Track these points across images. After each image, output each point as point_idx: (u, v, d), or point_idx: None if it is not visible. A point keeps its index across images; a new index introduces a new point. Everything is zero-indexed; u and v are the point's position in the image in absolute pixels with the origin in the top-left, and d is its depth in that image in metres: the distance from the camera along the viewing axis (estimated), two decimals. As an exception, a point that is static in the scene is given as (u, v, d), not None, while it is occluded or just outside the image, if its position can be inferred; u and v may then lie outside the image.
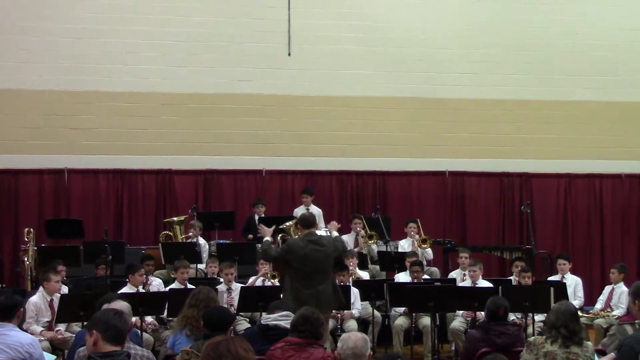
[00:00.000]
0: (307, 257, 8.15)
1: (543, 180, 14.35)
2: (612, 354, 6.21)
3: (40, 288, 8.99)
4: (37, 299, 8.82)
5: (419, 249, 11.79)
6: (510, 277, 10.81)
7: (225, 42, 13.76)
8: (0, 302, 6.01)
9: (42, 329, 8.64)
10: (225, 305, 9.20)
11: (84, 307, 7.97)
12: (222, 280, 9.97)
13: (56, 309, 8.60)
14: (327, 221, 12.36)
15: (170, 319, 8.97)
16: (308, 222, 8.47)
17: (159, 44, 13.59)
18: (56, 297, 8.80)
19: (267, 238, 8.66)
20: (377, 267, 11.72)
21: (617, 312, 10.10)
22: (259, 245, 10.82)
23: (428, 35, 14.18)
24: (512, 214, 14.21)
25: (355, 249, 11.73)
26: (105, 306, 5.78)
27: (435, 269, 11.93)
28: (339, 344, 5.21)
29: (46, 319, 8.79)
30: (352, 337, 5.25)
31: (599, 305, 10.54)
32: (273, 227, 9.06)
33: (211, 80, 13.68)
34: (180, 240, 11.79)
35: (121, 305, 5.76)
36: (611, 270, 10.72)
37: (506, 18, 14.38)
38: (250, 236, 12.31)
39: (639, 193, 14.52)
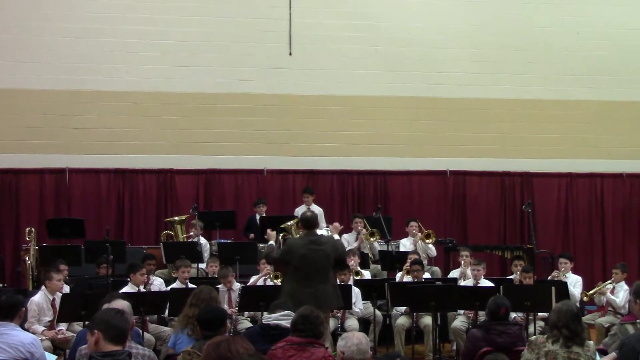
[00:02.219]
0: (305, 256, 8.14)
1: (544, 179, 14.36)
2: (614, 354, 6.22)
3: (43, 287, 8.99)
4: (39, 299, 8.81)
5: (422, 244, 11.77)
6: (511, 277, 10.80)
7: (226, 42, 13.77)
8: (2, 302, 6.02)
9: (44, 328, 8.63)
10: (226, 306, 9.23)
11: (86, 306, 8.00)
12: (222, 281, 9.98)
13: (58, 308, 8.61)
14: (328, 220, 12.39)
15: (172, 318, 8.98)
16: (310, 223, 8.44)
17: (159, 44, 13.59)
18: (58, 297, 8.80)
19: (272, 242, 8.70)
20: (379, 266, 11.72)
21: (617, 299, 10.13)
22: (261, 245, 10.86)
23: (429, 35, 14.18)
24: (513, 213, 14.22)
25: (355, 244, 11.75)
26: (105, 306, 5.79)
27: (436, 268, 11.94)
28: (341, 342, 5.22)
29: (48, 319, 8.78)
30: (356, 334, 5.28)
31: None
32: (275, 232, 9.07)
33: (212, 79, 13.69)
34: (181, 240, 11.80)
35: (121, 304, 5.76)
36: (614, 271, 10.67)
37: (507, 18, 14.38)
38: (252, 236, 12.31)
39: (640, 192, 14.55)
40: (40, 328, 8.56)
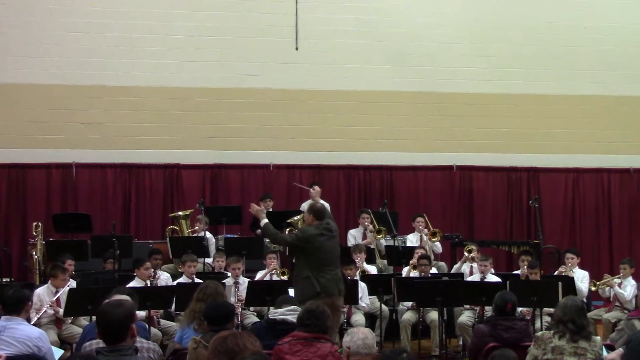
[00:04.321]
0: (322, 244, 8.16)
1: (551, 174, 14.32)
2: (621, 349, 6.20)
3: (49, 281, 9.03)
4: (42, 291, 8.85)
5: (428, 242, 11.78)
6: (517, 272, 10.79)
7: (232, 37, 13.75)
8: (9, 296, 6.05)
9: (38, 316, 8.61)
10: (234, 300, 9.23)
11: (92, 301, 8.01)
12: (229, 274, 9.97)
13: (62, 301, 8.64)
14: (334, 216, 12.36)
15: (178, 313, 8.99)
16: (322, 214, 8.43)
17: (166, 39, 13.58)
18: (63, 292, 8.81)
19: (266, 220, 8.58)
20: (385, 261, 11.71)
21: (625, 294, 10.12)
22: (267, 240, 10.82)
23: (435, 30, 14.14)
24: (520, 208, 14.18)
25: (363, 242, 11.74)
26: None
27: (442, 264, 11.92)
28: (346, 337, 5.22)
29: (51, 310, 8.80)
30: (361, 329, 5.29)
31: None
32: (263, 207, 9.01)
33: (218, 74, 13.67)
34: (186, 235, 11.81)
35: (121, 298, 5.75)
36: (621, 266, 10.64)
37: (513, 12, 14.33)
38: (259, 231, 12.29)
39: (647, 187, 14.50)
40: (35, 314, 8.54)
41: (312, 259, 8.15)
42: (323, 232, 8.20)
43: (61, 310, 8.65)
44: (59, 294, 8.78)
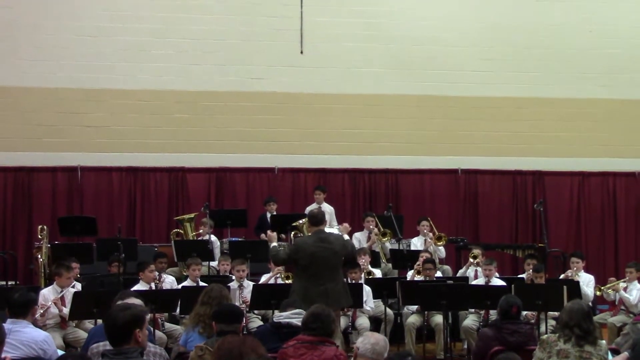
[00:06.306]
0: (314, 255, 8.14)
1: (556, 178, 14.30)
2: (626, 353, 6.19)
3: (54, 281, 9.05)
4: (47, 292, 8.88)
5: (433, 246, 11.77)
6: (522, 275, 10.77)
7: (237, 40, 13.78)
8: (15, 299, 6.07)
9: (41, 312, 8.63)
10: (238, 303, 9.24)
11: (97, 304, 8.03)
12: (234, 277, 9.98)
13: (67, 302, 8.66)
14: (339, 219, 12.37)
15: (183, 316, 9.00)
16: (317, 219, 8.44)
17: (171, 42, 13.61)
18: (68, 292, 8.84)
19: (274, 244, 8.69)
20: (389, 265, 11.70)
21: (631, 298, 10.10)
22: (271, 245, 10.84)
23: (441, 33, 14.14)
24: (525, 212, 14.16)
25: (367, 245, 11.73)
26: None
27: (447, 267, 11.91)
28: (360, 339, 5.23)
29: (55, 310, 8.82)
30: (375, 335, 5.30)
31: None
32: (275, 234, 9.08)
33: (224, 78, 13.70)
34: (191, 238, 11.82)
35: (134, 302, 5.77)
36: (627, 270, 10.61)
37: (519, 15, 14.32)
38: (263, 235, 12.31)
39: (652, 191, 14.47)
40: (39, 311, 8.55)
41: (304, 269, 8.16)
42: (316, 242, 8.19)
43: (65, 309, 8.67)
44: (63, 292, 8.81)
